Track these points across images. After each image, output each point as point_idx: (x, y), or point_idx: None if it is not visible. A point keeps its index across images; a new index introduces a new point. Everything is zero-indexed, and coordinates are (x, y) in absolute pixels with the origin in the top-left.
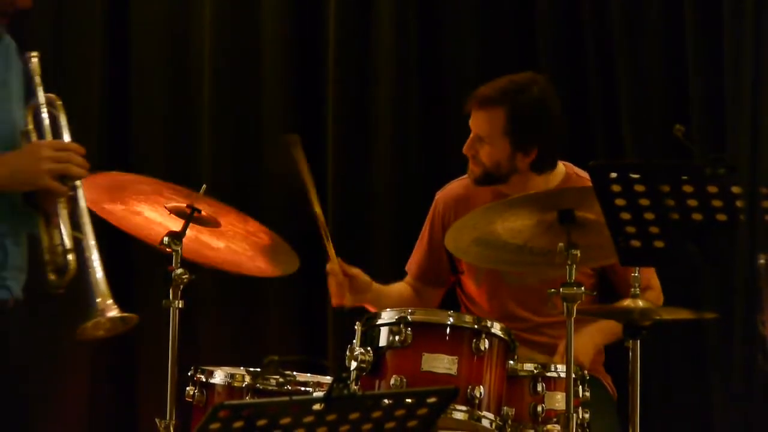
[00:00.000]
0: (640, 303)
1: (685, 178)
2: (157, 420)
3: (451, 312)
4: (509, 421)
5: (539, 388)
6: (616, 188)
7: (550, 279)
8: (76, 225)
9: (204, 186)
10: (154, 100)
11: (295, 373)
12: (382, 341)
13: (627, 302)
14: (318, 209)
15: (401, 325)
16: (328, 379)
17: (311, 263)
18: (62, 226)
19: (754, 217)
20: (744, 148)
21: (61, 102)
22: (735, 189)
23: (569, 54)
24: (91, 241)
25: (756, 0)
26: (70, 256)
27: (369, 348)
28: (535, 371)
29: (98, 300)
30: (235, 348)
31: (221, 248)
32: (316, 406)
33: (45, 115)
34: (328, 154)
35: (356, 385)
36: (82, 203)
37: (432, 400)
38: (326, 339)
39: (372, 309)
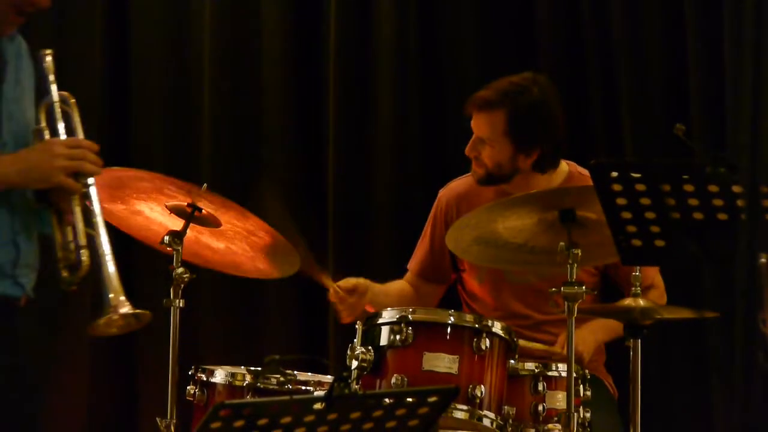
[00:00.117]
0: (641, 302)
1: (686, 177)
2: (157, 419)
3: (452, 311)
4: (510, 421)
5: (540, 388)
6: (617, 187)
7: (551, 276)
8: (88, 222)
9: (205, 185)
10: (154, 100)
11: (295, 372)
12: (383, 340)
13: (628, 301)
14: (306, 253)
15: (402, 325)
16: (329, 378)
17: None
18: (76, 223)
19: (754, 216)
20: (744, 147)
21: (74, 100)
22: (736, 188)
23: (569, 54)
24: (104, 238)
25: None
26: (84, 253)
27: (370, 347)
28: (536, 370)
29: (111, 296)
30: (235, 347)
31: (221, 249)
32: (317, 406)
33: (59, 113)
34: (328, 154)
35: (357, 384)
36: (95, 200)
37: (433, 399)
38: (327, 338)
39: (371, 309)
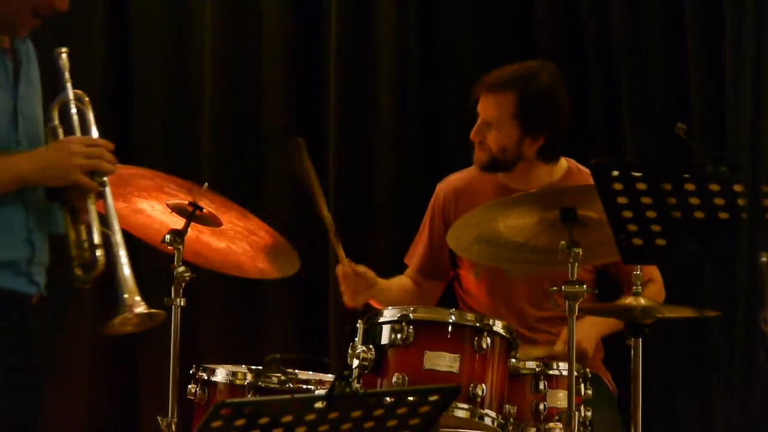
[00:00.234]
0: (642, 301)
1: (687, 176)
2: (158, 418)
3: (453, 310)
4: (511, 419)
5: (541, 386)
6: (618, 186)
7: (550, 272)
8: (103, 221)
9: (206, 184)
10: (154, 100)
11: (296, 371)
12: (384, 339)
13: (629, 300)
14: (326, 212)
15: (403, 323)
16: (330, 377)
17: (313, 261)
18: (91, 222)
19: (755, 215)
20: (744, 147)
21: (89, 98)
22: (737, 187)
23: (569, 54)
24: (119, 237)
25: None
26: (99, 252)
27: (371, 346)
28: (537, 369)
29: (126, 296)
30: (236, 346)
31: (222, 249)
32: (318, 404)
33: (74, 111)
34: (328, 153)
35: (358, 383)
36: (110, 199)
37: (434, 398)
38: (328, 337)
39: (376, 305)
